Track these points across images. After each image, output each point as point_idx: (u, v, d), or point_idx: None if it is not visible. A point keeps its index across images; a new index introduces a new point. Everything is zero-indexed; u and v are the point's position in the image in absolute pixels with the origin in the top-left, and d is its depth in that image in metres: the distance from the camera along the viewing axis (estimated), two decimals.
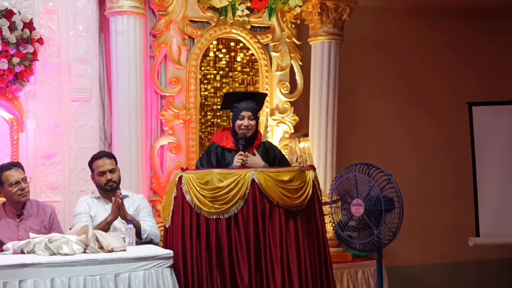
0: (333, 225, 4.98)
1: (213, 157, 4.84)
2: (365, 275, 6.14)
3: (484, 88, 7.38)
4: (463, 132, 6.56)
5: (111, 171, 4.73)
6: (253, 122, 4.81)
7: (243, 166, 4.63)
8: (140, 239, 4.61)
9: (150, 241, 4.68)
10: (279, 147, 6.26)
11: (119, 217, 4.61)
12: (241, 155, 4.67)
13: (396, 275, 6.66)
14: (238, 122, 4.80)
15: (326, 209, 4.99)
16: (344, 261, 6.11)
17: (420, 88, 7.41)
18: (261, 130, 5.26)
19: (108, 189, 4.72)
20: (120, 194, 4.57)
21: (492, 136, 6.34)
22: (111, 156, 4.85)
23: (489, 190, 6.28)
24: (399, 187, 4.64)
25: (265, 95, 5.41)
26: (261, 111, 5.58)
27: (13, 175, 4.51)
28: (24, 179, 4.57)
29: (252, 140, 4.83)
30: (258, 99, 4.99)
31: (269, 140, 6.23)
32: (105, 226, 4.55)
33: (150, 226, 4.72)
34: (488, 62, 7.56)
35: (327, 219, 4.94)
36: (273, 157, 4.90)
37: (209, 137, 6.01)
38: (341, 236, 4.92)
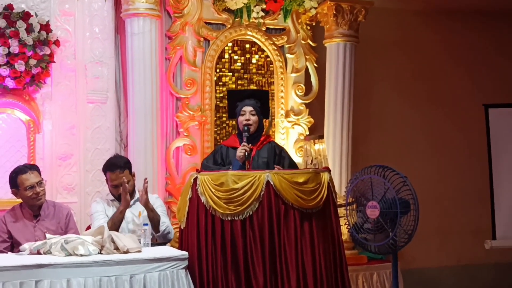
0: (348, 227, 4.96)
1: (217, 156, 4.92)
2: (380, 277, 6.12)
3: (501, 90, 7.32)
4: (480, 134, 6.52)
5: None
6: (254, 118, 4.87)
7: (246, 158, 4.68)
8: (157, 232, 4.62)
9: (166, 236, 4.70)
10: (294, 149, 6.29)
11: (133, 219, 4.63)
12: (244, 145, 4.71)
13: (412, 278, 6.63)
14: (240, 118, 4.88)
15: (341, 211, 4.98)
16: (360, 264, 6.10)
17: (436, 90, 7.38)
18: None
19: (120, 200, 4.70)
20: (146, 179, 4.59)
21: (509, 138, 6.30)
22: (124, 167, 4.70)
23: (506, 192, 6.23)
24: (415, 189, 4.62)
25: (266, 92, 5.40)
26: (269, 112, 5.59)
27: (28, 178, 4.52)
28: (39, 183, 4.57)
29: (255, 138, 4.85)
30: (260, 96, 5.04)
31: (284, 141, 6.23)
32: (119, 216, 4.54)
33: (163, 217, 4.73)
34: (505, 64, 7.50)
35: (342, 221, 4.92)
36: (279, 153, 4.94)
37: (224, 138, 6.03)
38: (357, 238, 4.90)
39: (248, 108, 4.87)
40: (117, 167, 4.69)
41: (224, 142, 5.09)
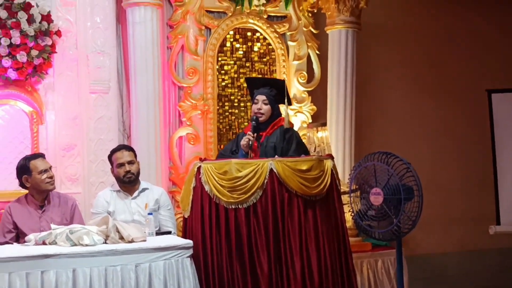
0: (352, 214, 4.97)
1: (234, 143, 4.94)
2: (385, 264, 6.13)
3: (504, 75, 7.30)
4: (483, 120, 6.51)
5: (130, 162, 4.77)
6: (267, 107, 4.83)
7: (250, 147, 4.68)
8: None
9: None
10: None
11: (139, 210, 4.69)
12: (249, 135, 4.71)
13: (416, 264, 6.64)
14: (254, 106, 4.87)
15: (345, 198, 4.99)
16: (364, 251, 6.11)
17: (439, 76, 7.36)
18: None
19: (127, 181, 4.75)
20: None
21: None
22: (129, 148, 4.90)
23: (510, 178, 6.23)
24: (419, 175, 4.62)
25: (282, 81, 5.36)
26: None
27: (41, 163, 4.58)
28: (51, 168, 4.64)
29: (265, 125, 4.82)
30: (275, 85, 4.98)
31: None
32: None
33: (171, 226, 4.80)
34: (509, 49, 7.48)
35: (346, 208, 4.93)
36: (288, 137, 4.81)
37: (227, 127, 6.07)
38: (361, 225, 4.91)
39: (261, 97, 4.84)
40: (122, 146, 4.93)
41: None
